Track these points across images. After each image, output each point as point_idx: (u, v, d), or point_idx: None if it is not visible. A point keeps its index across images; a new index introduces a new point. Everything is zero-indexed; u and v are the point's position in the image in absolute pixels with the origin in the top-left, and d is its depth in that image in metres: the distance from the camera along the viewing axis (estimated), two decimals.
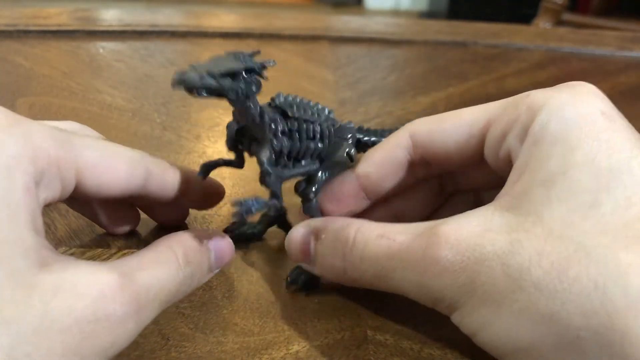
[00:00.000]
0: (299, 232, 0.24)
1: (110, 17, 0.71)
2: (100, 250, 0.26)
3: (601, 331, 0.16)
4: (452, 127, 0.23)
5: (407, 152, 0.24)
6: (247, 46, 0.62)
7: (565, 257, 0.17)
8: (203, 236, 0.22)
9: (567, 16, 1.71)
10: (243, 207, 0.22)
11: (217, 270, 0.23)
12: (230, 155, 0.26)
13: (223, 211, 0.31)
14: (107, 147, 0.22)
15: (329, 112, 0.25)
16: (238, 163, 0.26)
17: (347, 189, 0.25)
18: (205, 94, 0.20)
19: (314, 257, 0.23)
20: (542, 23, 1.68)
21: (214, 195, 0.27)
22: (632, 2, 1.86)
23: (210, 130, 0.42)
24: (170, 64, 0.56)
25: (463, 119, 0.23)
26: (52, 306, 0.16)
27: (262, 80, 0.21)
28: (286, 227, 0.28)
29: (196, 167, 0.36)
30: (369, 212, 0.26)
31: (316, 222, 0.24)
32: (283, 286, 0.25)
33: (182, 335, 0.22)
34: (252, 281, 0.25)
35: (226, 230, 0.28)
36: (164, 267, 0.20)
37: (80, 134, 0.22)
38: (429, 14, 2.93)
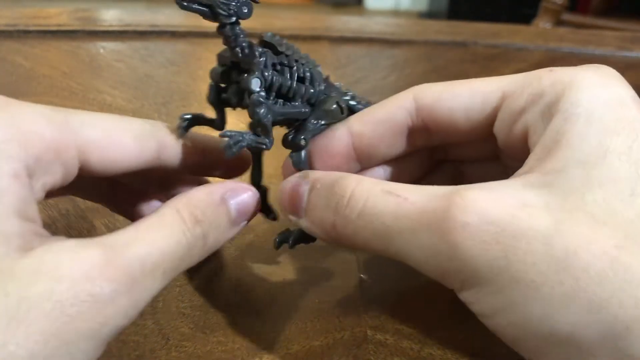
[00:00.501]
0: (293, 180, 0.22)
1: (110, 17, 0.71)
2: None
3: None
4: (464, 94, 0.22)
5: (408, 115, 0.23)
6: None
7: (615, 245, 0.16)
8: (217, 190, 0.20)
9: (567, 16, 1.71)
10: (233, 139, 0.21)
11: (244, 224, 0.21)
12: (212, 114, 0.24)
13: None
14: (112, 120, 0.21)
15: (318, 66, 0.24)
16: (219, 122, 0.24)
17: (337, 146, 0.23)
18: (195, 7, 0.20)
19: (305, 208, 0.21)
20: (542, 23, 1.68)
21: (237, 161, 0.24)
22: (632, 2, 1.86)
23: (210, 130, 0.41)
24: (170, 64, 0.56)
25: (477, 88, 0.22)
26: (30, 292, 0.15)
27: (253, 5, 0.21)
28: (267, 211, 0.26)
29: None
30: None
31: (314, 172, 0.22)
32: (283, 286, 0.25)
33: (182, 335, 0.22)
34: (252, 281, 0.25)
35: None
36: (165, 231, 0.18)
37: (80, 111, 0.20)
38: (429, 14, 2.93)
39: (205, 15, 0.20)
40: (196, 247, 0.19)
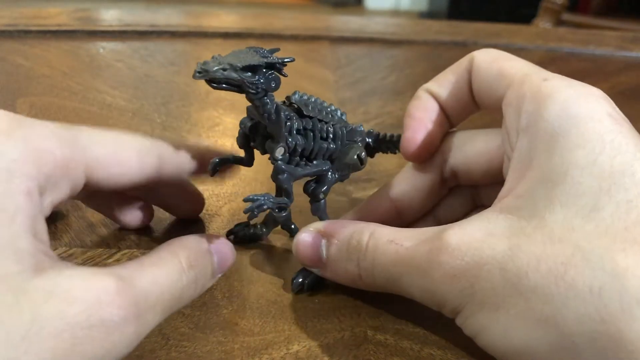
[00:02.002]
0: (307, 236, 0.23)
1: (110, 17, 0.71)
2: (100, 250, 0.26)
3: (595, 337, 0.16)
4: (482, 138, 0.24)
5: (440, 173, 0.25)
6: (247, 46, 0.62)
7: (563, 261, 0.17)
8: (205, 240, 0.22)
9: (567, 16, 1.71)
10: (255, 204, 0.22)
11: (220, 275, 0.23)
12: (240, 153, 0.26)
13: (223, 211, 0.31)
14: (117, 138, 0.22)
15: (342, 114, 0.25)
16: (247, 161, 0.26)
17: (382, 211, 0.26)
18: (225, 87, 0.20)
19: (326, 263, 0.23)
20: (542, 23, 1.68)
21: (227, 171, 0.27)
22: (632, 2, 1.86)
23: (210, 130, 0.42)
24: (170, 64, 0.56)
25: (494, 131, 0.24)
26: (43, 311, 0.15)
27: (281, 78, 0.21)
28: (290, 228, 0.28)
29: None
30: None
31: (326, 225, 0.24)
32: (283, 286, 0.25)
33: (182, 335, 0.22)
34: (252, 281, 0.25)
35: (230, 232, 0.28)
36: (166, 271, 0.19)
37: (87, 128, 0.21)
38: (429, 14, 2.93)
39: (236, 92, 0.21)
40: (189, 289, 0.20)
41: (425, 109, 0.25)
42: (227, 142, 0.40)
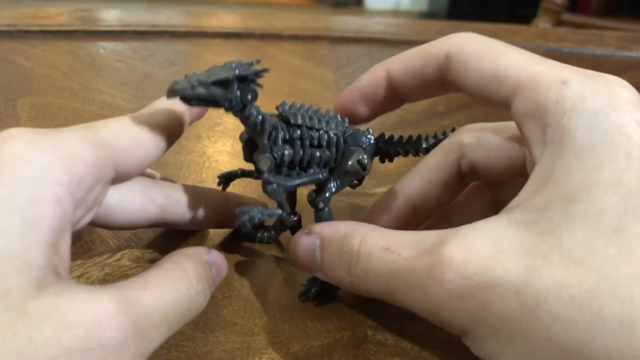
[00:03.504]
0: (302, 238, 0.23)
1: (111, 17, 0.71)
2: (101, 249, 0.26)
3: None
4: (501, 132, 0.23)
5: (457, 168, 0.24)
6: (247, 46, 0.62)
7: (587, 289, 0.16)
8: (204, 252, 0.22)
9: (567, 16, 1.71)
10: (246, 217, 0.22)
11: (215, 288, 0.22)
12: (250, 166, 0.26)
13: None
14: (127, 121, 0.22)
15: (343, 120, 0.25)
16: (257, 174, 0.25)
17: (397, 210, 0.25)
18: (197, 103, 0.20)
19: (320, 266, 0.22)
20: (542, 23, 1.68)
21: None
22: (632, 2, 1.87)
23: (210, 130, 0.42)
24: (170, 64, 0.56)
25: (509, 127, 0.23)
26: (39, 335, 0.15)
27: (258, 88, 0.21)
28: None
29: (197, 167, 0.36)
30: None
31: (320, 227, 0.23)
32: (283, 286, 0.25)
33: (182, 335, 0.22)
34: (252, 281, 0.25)
35: (238, 230, 0.28)
36: (173, 285, 0.19)
37: (101, 122, 0.21)
38: (429, 14, 2.93)
39: (215, 107, 0.21)
40: (198, 301, 0.20)
41: (374, 85, 0.25)
42: (228, 142, 0.40)
